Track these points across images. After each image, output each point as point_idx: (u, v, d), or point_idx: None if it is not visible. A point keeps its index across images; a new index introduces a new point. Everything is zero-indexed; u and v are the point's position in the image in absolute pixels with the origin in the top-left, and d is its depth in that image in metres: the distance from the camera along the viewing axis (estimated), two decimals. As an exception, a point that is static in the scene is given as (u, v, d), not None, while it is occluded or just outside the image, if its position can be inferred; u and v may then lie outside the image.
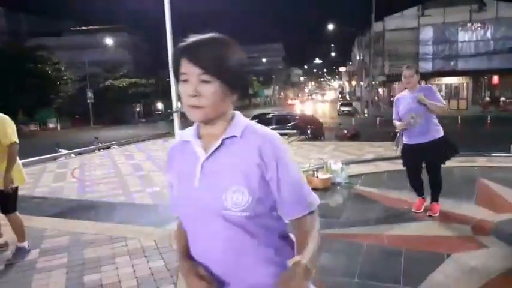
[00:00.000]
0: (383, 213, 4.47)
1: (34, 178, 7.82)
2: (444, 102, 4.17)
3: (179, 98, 13.33)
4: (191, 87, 1.06)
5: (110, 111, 37.86)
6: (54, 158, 10.13)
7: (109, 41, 38.80)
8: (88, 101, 35.23)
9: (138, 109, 42.30)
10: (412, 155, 4.29)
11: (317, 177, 5.55)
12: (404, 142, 4.33)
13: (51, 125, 33.80)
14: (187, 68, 1.06)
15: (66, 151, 10.89)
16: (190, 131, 1.20)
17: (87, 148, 11.67)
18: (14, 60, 28.38)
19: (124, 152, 10.99)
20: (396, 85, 36.29)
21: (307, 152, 9.41)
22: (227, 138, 1.12)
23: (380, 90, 42.15)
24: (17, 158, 3.66)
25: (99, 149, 11.71)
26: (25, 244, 3.83)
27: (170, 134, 14.50)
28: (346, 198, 5.18)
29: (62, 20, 58.58)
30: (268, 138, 1.11)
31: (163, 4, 13.42)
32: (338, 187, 5.65)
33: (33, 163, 9.38)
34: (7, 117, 3.62)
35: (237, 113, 1.17)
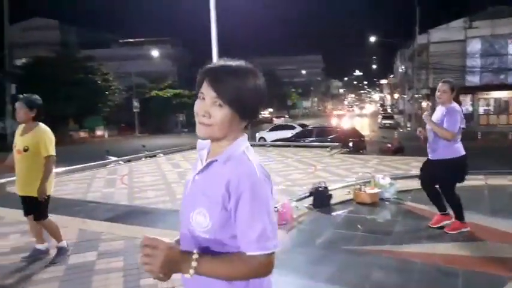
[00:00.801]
0: (436, 231, 4.32)
1: (86, 183, 8.21)
2: (452, 129, 3.94)
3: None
4: (204, 108, 1.15)
5: (154, 121, 39.10)
6: (104, 165, 10.58)
7: (154, 52, 40.28)
8: (134, 110, 36.59)
9: (180, 119, 43.41)
10: (424, 167, 4.43)
11: (365, 191, 5.48)
12: None
13: (99, 133, 35.38)
14: (206, 89, 1.15)
15: (115, 158, 11.35)
16: (207, 143, 1.28)
17: (134, 156, 12.10)
18: (67, 70, 30.07)
19: (170, 160, 11.31)
20: (441, 98, 35.11)
21: (351, 165, 9.29)
22: (214, 161, 1.18)
23: (424, 103, 40.93)
24: (53, 169, 3.78)
25: (146, 157, 12.10)
26: (64, 243, 3.97)
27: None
28: (396, 214, 5.07)
29: (110, 32, 61.51)
30: (241, 173, 1.12)
31: (207, 18, 13.88)
32: (387, 203, 5.53)
33: (85, 169, 9.86)
34: (48, 130, 3.80)
35: (241, 138, 1.21)
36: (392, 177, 6.24)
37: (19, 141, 3.77)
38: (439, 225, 4.34)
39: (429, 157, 4.26)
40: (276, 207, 4.88)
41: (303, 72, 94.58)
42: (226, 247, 1.14)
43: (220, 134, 1.17)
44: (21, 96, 3.94)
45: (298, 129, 22.41)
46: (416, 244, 4.01)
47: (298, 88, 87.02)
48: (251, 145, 1.23)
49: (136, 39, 55.23)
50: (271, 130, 23.68)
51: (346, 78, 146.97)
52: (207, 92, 1.15)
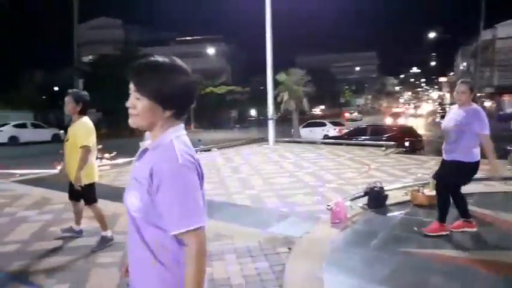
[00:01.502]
0: (500, 238, 4.09)
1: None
2: (488, 132, 3.89)
3: (275, 106, 13.55)
4: (130, 101, 1.32)
5: (208, 116, 40.13)
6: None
7: (210, 50, 41.33)
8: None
9: (233, 115, 44.19)
10: (439, 168, 4.35)
11: (423, 193, 5.29)
12: None
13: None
14: (130, 84, 1.32)
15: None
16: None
17: (191, 149, 12.51)
18: (129, 66, 31.62)
19: (223, 155, 11.57)
20: (506, 98, 32.82)
21: (407, 165, 8.96)
22: (147, 149, 1.35)
23: (486, 103, 38.40)
24: (91, 158, 4.03)
25: (201, 151, 12.47)
26: (107, 233, 4.16)
27: (264, 139, 14.87)
28: (456, 218, 4.84)
29: (168, 30, 63.76)
30: (163, 160, 1.25)
31: (261, 15, 13.99)
32: (446, 206, 5.30)
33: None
34: (87, 123, 4.05)
35: (172, 128, 1.33)
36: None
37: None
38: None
39: (444, 157, 4.17)
40: (329, 206, 4.86)
41: (357, 69, 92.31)
42: (153, 225, 1.28)
43: (145, 123, 1.32)
44: (70, 90, 4.20)
45: (329, 126, 22.96)
46: (479, 251, 3.82)
47: (351, 85, 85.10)
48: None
49: (193, 37, 56.85)
50: (304, 126, 23.81)
51: (402, 76, 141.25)
52: (130, 86, 1.32)
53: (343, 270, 3.49)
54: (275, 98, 17.85)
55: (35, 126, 25.19)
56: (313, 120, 26.32)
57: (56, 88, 37.47)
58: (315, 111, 59.51)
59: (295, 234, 4.27)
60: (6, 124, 22.99)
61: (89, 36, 48.07)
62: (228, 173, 8.50)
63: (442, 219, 4.20)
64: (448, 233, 4.16)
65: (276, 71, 16.89)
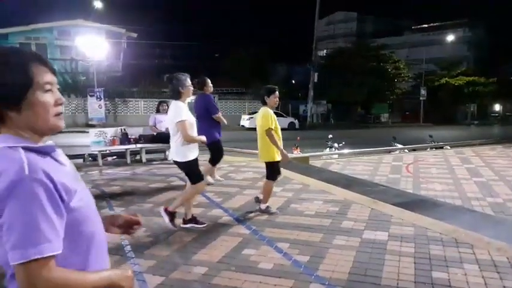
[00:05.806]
0: None
1: (373, 166, 8.71)
2: None
3: None
4: (58, 95, 1.10)
5: (440, 110, 36.77)
6: (389, 151, 10.90)
7: (449, 37, 37.50)
8: (421, 98, 35.53)
9: (471, 109, 38.99)
10: None
11: None
12: None
13: (383, 120, 36.55)
14: (50, 77, 1.08)
15: (400, 145, 11.47)
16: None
17: (420, 145, 11.88)
18: (361, 59, 32.13)
19: (458, 154, 10.47)
20: None
21: None
22: None
23: None
24: (276, 139, 4.99)
25: (431, 148, 11.67)
26: (262, 206, 5.04)
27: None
28: None
29: (405, 19, 60.93)
30: (2, 172, 0.98)
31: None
32: None
33: (372, 153, 10.47)
34: (264, 110, 5.27)
35: None
36: None
37: None
38: None
39: None
40: None
41: None
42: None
43: None
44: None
45: None
46: None
47: None
48: None
49: (430, 25, 52.63)
50: None
51: None
52: (52, 79, 1.10)
53: None
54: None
55: (276, 115, 28.84)
56: None
57: (293, 81, 41.69)
58: None
59: (559, 258, 3.53)
60: (255, 112, 27.28)
61: (325, 31, 51.13)
62: (464, 175, 7.66)
63: None
64: None
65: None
